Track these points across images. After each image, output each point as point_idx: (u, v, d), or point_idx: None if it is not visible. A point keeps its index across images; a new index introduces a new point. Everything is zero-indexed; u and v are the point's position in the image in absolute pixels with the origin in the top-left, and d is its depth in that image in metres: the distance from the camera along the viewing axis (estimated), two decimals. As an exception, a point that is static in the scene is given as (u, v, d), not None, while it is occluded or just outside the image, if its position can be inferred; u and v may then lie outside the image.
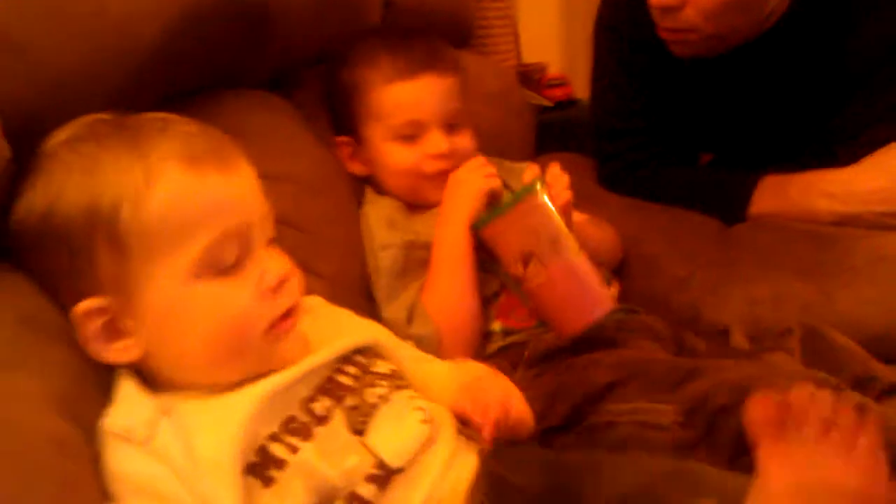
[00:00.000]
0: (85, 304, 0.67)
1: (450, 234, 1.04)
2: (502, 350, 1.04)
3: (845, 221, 1.15)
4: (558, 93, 1.90)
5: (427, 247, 1.06)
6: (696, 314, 1.13)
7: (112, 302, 0.68)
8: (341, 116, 1.15)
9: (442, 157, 1.10)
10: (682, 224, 1.25)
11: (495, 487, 0.70)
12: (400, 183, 1.12)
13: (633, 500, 0.65)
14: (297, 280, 0.74)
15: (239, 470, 0.64)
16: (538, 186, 0.99)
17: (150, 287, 0.68)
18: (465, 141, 1.13)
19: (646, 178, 1.33)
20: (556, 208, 0.99)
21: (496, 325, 1.06)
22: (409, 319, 1.02)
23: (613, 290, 1.17)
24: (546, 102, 1.84)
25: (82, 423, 0.65)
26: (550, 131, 1.61)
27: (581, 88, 1.91)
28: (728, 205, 1.24)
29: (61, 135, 0.72)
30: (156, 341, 0.69)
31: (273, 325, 0.71)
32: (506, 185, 1.11)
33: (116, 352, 0.69)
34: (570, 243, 0.99)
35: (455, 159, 1.10)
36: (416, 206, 1.13)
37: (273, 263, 0.72)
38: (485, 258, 1.04)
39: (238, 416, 0.66)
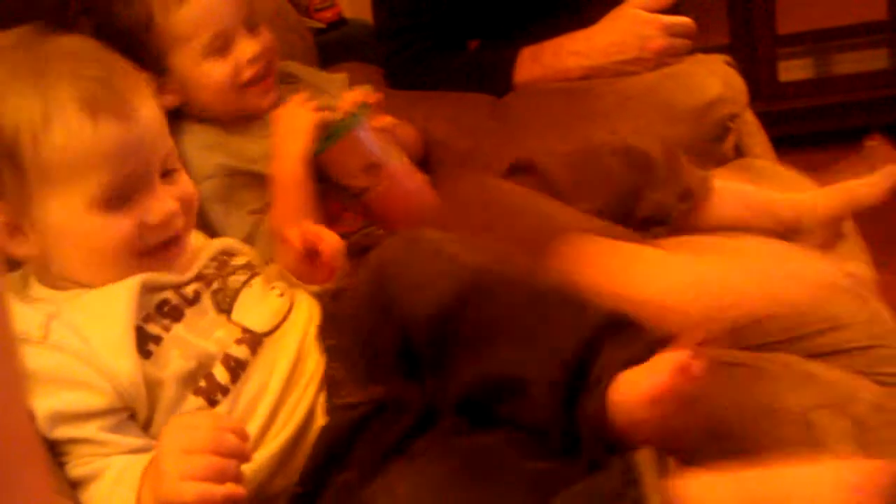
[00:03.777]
0: None
1: (287, 169, 1.07)
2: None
3: (592, 74, 1.31)
4: (328, 14, 1.97)
5: (249, 174, 1.12)
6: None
7: (11, 209, 0.76)
8: (132, 56, 1.17)
9: (256, 59, 1.12)
10: (460, 105, 1.38)
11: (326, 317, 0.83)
12: (226, 99, 1.13)
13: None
14: (188, 211, 0.83)
15: (134, 345, 0.74)
16: (362, 112, 1.08)
17: (44, 209, 0.76)
18: (267, 38, 1.15)
19: (424, 71, 1.45)
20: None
21: None
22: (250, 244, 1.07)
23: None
24: (319, 24, 1.91)
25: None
26: (328, 51, 1.69)
27: (348, 8, 2.01)
28: (496, 80, 1.38)
29: None
30: (46, 248, 0.78)
31: (150, 252, 0.80)
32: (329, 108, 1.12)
33: (16, 245, 0.77)
34: (395, 147, 1.12)
35: (267, 56, 1.14)
36: (233, 125, 1.15)
37: (159, 203, 0.79)
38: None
39: (121, 305, 0.76)
